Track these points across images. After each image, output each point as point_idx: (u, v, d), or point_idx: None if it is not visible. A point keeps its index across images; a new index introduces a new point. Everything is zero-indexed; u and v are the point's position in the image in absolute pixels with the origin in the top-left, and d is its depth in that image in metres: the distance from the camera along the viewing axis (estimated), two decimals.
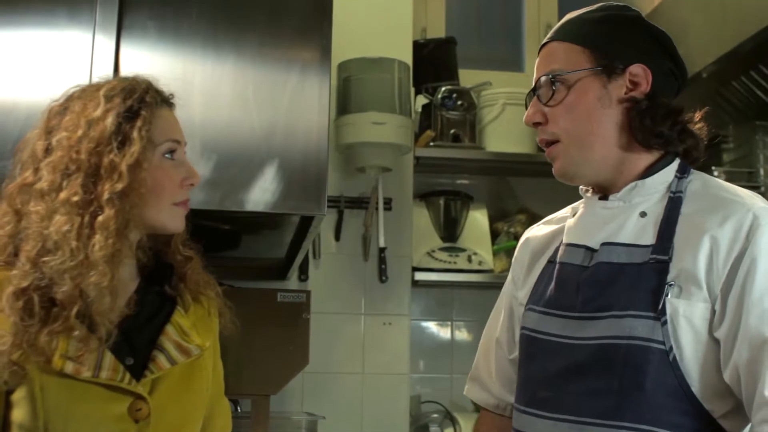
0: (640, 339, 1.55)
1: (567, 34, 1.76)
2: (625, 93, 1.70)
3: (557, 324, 1.69)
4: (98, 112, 1.67)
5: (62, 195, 1.63)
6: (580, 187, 1.83)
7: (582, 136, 1.70)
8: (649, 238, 1.64)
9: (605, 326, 1.60)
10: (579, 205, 1.84)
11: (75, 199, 1.62)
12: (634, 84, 1.70)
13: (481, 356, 2.01)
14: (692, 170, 1.73)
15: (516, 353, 1.85)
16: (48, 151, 1.68)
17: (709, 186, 1.69)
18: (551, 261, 1.81)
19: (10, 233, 1.67)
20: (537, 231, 1.94)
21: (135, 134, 1.67)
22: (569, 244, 1.76)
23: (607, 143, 1.70)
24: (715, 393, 1.55)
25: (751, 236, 1.53)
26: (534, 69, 1.80)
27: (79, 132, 1.66)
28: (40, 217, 1.63)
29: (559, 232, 1.85)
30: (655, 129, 1.68)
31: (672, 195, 1.67)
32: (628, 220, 1.68)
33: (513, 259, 1.98)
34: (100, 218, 1.62)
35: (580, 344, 1.62)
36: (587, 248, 1.71)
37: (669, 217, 1.64)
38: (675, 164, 1.71)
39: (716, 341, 1.54)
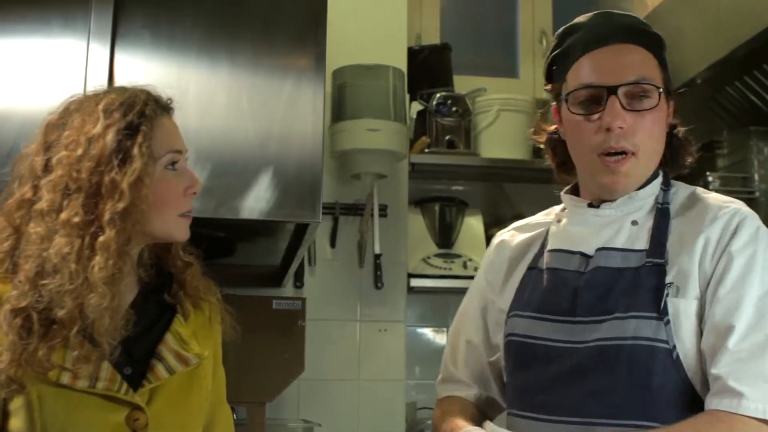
0: (645, 339, 1.58)
1: (647, 42, 1.72)
2: (668, 119, 1.73)
3: (553, 329, 1.69)
4: (98, 129, 1.65)
5: (63, 216, 1.60)
6: (562, 194, 1.85)
7: (654, 154, 1.72)
8: (642, 243, 1.67)
9: (608, 328, 1.61)
10: (557, 211, 1.88)
11: (76, 220, 1.60)
12: (673, 113, 1.74)
13: (449, 359, 1.97)
14: (672, 181, 1.77)
15: (496, 356, 1.85)
16: (47, 168, 1.66)
17: (695, 196, 1.73)
18: (532, 267, 1.81)
19: (7, 249, 1.65)
20: (511, 236, 1.94)
21: (136, 151, 1.64)
22: (560, 251, 1.76)
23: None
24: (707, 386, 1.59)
25: (734, 235, 1.61)
26: (591, 69, 1.71)
27: (79, 151, 1.63)
28: (39, 238, 1.61)
29: (536, 238, 1.87)
30: (686, 161, 1.77)
31: (660, 206, 1.71)
32: (622, 227, 1.71)
33: (487, 263, 1.97)
34: (101, 239, 1.60)
35: (580, 347, 1.64)
36: (582, 254, 1.72)
37: (660, 225, 1.68)
38: (660, 177, 1.75)
39: None
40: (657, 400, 1.55)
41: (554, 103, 1.82)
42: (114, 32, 2.29)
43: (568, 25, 1.80)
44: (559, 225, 1.82)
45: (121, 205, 1.61)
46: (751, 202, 2.86)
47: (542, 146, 1.92)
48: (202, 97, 2.30)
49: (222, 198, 2.25)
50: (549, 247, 1.80)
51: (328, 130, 3.35)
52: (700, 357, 1.58)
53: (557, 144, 1.86)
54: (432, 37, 4.08)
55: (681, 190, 1.75)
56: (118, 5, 2.31)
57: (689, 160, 1.77)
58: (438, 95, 3.67)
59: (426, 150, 3.66)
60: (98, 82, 2.18)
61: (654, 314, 1.58)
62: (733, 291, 1.56)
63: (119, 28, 2.30)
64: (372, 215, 3.56)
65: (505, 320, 1.81)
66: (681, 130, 1.78)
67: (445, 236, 3.77)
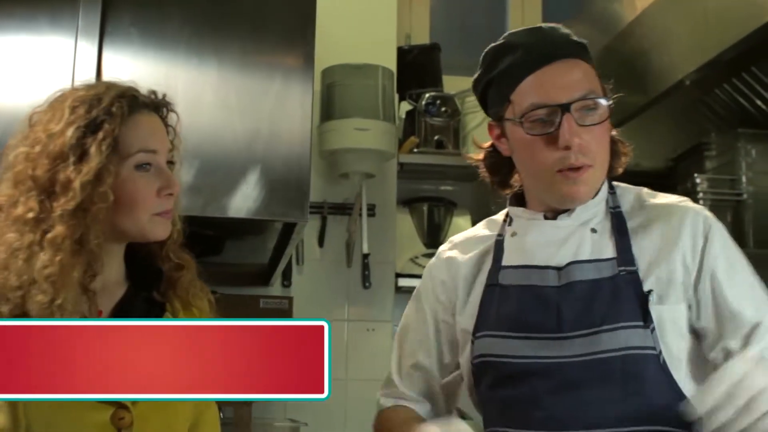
0: (636, 348, 1.60)
1: (584, 54, 1.74)
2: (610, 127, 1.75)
3: (536, 346, 1.67)
4: (60, 126, 1.61)
5: (17, 211, 1.59)
6: (511, 208, 1.85)
7: (606, 163, 1.73)
8: (609, 251, 1.69)
9: (598, 341, 1.62)
10: (499, 223, 1.87)
11: (29, 216, 1.58)
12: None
13: (396, 377, 1.89)
14: (613, 183, 1.80)
15: (451, 377, 1.83)
16: (10, 164, 1.64)
17: (641, 198, 1.78)
18: (492, 284, 1.77)
19: None
20: (458, 253, 1.88)
21: (93, 149, 1.60)
22: (527, 267, 1.74)
23: None
24: (690, 385, 1.62)
25: (707, 236, 1.67)
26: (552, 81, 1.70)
27: (38, 147, 1.61)
28: None
29: (486, 253, 1.83)
30: (623, 162, 1.78)
31: (612, 211, 1.74)
32: (584, 237, 1.71)
33: (437, 282, 1.88)
34: (49, 235, 1.57)
35: (571, 362, 1.63)
36: (554, 268, 1.70)
37: (619, 231, 1.71)
38: (606, 181, 1.77)
39: (695, 334, 1.65)
40: (651, 404, 1.58)
41: (491, 121, 1.82)
42: (102, 30, 2.29)
43: (498, 45, 1.78)
44: (513, 239, 1.80)
45: (72, 204, 1.58)
46: (738, 204, 2.87)
47: (478, 164, 1.92)
48: (190, 95, 2.29)
49: (209, 196, 2.25)
50: (509, 262, 1.77)
51: (316, 130, 3.35)
52: (688, 356, 1.64)
53: (497, 161, 1.86)
54: (421, 36, 4.08)
55: (626, 192, 1.79)
56: (106, 3, 2.31)
57: (625, 160, 1.79)
58: (427, 95, 3.68)
59: (415, 150, 3.66)
60: (86, 79, 2.17)
61: (640, 323, 1.61)
62: (739, 283, 1.66)
63: (107, 26, 2.29)
64: (360, 215, 3.56)
65: (471, 340, 1.76)
66: (614, 132, 1.78)
67: (433, 236, 3.77)
